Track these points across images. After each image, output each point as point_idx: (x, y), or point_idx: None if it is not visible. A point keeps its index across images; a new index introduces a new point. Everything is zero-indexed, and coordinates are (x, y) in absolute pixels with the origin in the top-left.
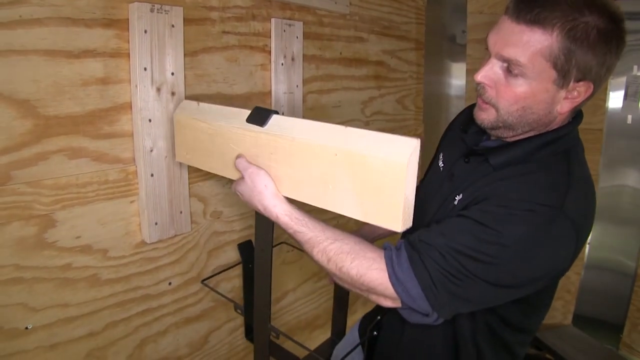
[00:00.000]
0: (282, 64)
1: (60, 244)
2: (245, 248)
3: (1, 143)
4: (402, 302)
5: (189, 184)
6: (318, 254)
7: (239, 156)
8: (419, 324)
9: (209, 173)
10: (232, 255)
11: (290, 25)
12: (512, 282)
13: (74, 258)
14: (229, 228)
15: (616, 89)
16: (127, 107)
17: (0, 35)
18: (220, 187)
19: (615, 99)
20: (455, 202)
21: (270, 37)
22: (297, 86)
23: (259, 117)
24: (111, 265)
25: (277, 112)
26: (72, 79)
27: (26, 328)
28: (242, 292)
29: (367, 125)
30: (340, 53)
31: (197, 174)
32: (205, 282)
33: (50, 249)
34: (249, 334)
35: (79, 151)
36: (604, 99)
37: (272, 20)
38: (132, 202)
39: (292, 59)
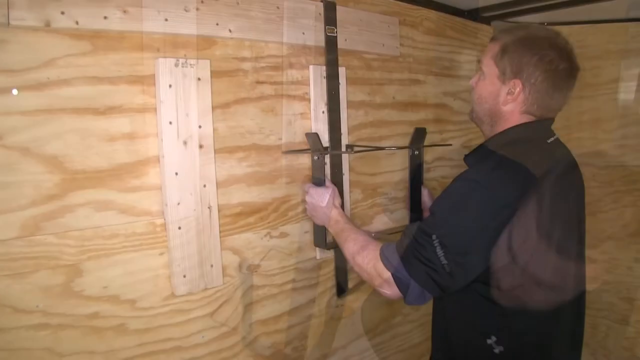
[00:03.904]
0: (323, 112)
1: (87, 293)
2: None
3: (30, 197)
4: (391, 274)
5: (222, 236)
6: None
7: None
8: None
9: (245, 225)
10: (274, 308)
11: None
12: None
13: (101, 307)
14: (268, 282)
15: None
16: (155, 160)
17: (30, 97)
18: (259, 240)
19: (627, 90)
20: None
21: (309, 84)
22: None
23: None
24: (139, 315)
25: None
26: (99, 135)
27: None
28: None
29: (427, 172)
30: (394, 97)
31: (231, 227)
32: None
33: (77, 298)
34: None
35: (105, 204)
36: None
37: (310, 67)
38: (161, 254)
39: None
